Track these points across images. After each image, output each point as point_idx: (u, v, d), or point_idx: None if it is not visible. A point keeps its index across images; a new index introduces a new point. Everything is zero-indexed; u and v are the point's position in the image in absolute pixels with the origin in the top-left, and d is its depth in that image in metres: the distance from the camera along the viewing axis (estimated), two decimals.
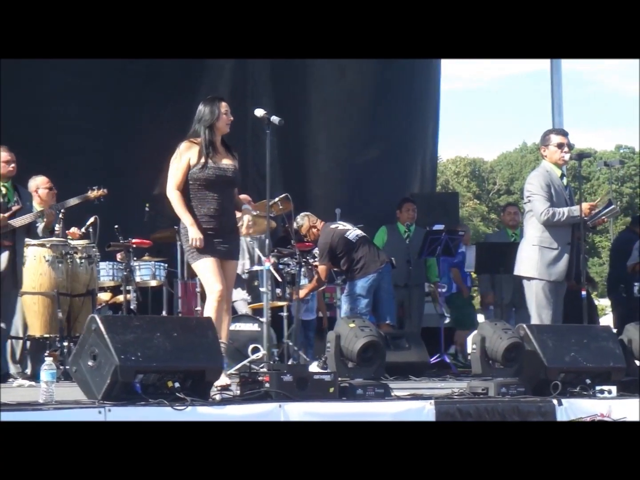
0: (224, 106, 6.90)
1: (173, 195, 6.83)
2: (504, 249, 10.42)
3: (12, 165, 8.08)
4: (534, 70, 77.16)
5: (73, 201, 8.53)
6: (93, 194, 8.61)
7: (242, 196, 7.09)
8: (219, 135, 6.92)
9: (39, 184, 8.86)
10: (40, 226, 8.31)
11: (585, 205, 7.88)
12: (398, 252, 10.56)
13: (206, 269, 6.79)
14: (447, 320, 11.32)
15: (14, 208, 8.08)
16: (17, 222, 8.04)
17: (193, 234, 6.74)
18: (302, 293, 9.71)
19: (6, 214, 8.00)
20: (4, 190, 8.09)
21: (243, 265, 10.01)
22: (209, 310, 6.72)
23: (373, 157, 13.45)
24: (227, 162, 6.92)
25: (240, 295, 9.93)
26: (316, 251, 10.24)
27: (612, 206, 8.25)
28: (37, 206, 8.54)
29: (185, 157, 6.83)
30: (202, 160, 6.80)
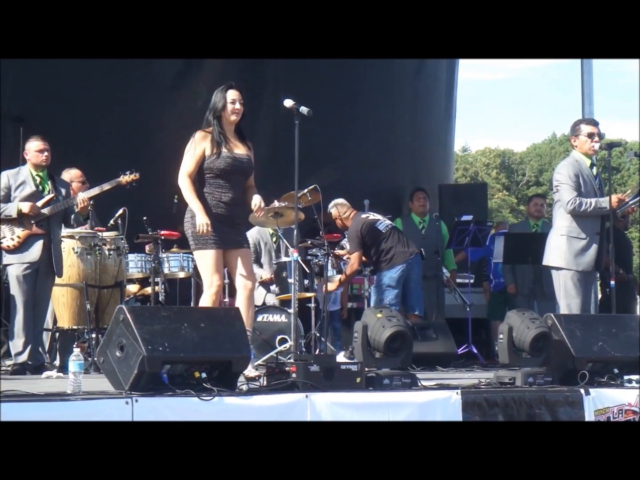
0: (231, 94, 6.87)
1: (184, 181, 6.83)
2: (532, 239, 10.41)
3: (46, 154, 8.15)
4: (564, 60, 76.76)
5: (104, 187, 8.55)
6: (125, 178, 8.62)
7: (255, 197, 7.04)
8: (228, 124, 6.91)
9: (72, 177, 8.94)
10: (73, 215, 8.36)
11: (614, 198, 7.84)
12: (414, 243, 10.53)
13: (207, 261, 6.80)
14: (468, 309, 11.20)
15: (48, 197, 8.15)
16: (50, 210, 8.10)
17: (201, 219, 6.71)
18: (333, 286, 9.72)
19: (39, 203, 8.08)
20: (37, 180, 8.17)
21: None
22: (206, 304, 6.75)
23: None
24: (240, 152, 6.91)
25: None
26: (344, 242, 10.25)
27: None
28: None
29: (200, 146, 6.83)
30: (216, 149, 6.80)
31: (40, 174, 8.20)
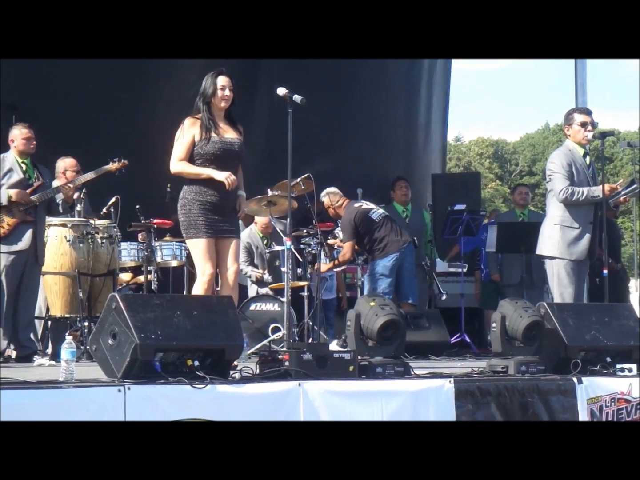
0: (220, 80, 6.83)
1: (178, 165, 6.81)
2: (525, 229, 10.40)
3: (33, 142, 8.12)
4: None
5: (93, 174, 8.54)
6: (114, 165, 8.61)
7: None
8: (218, 110, 6.89)
9: (67, 166, 8.92)
10: (60, 202, 8.34)
11: (606, 187, 7.85)
12: None
13: (201, 249, 6.78)
14: (444, 298, 11.18)
15: (36, 184, 8.13)
16: (39, 197, 8.08)
17: (221, 175, 6.69)
18: (324, 267, 9.74)
19: (28, 190, 8.06)
20: (24, 167, 8.14)
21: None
22: (198, 292, 6.75)
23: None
24: (231, 136, 6.89)
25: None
26: (337, 231, 10.25)
27: (634, 185, 8.22)
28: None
29: (189, 132, 6.80)
30: (206, 135, 6.78)
31: (26, 161, 8.16)
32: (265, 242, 10.29)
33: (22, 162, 8.13)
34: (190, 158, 6.82)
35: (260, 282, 10.10)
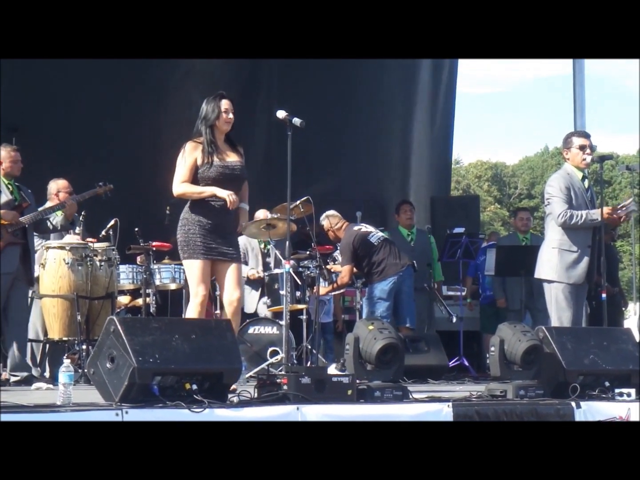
0: (224, 104, 6.86)
1: (181, 186, 6.82)
2: (524, 252, 10.40)
3: (20, 164, 8.10)
4: (557, 74, 77.08)
5: (83, 196, 8.55)
6: (101, 190, 8.62)
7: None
8: (220, 133, 6.91)
9: (60, 187, 8.90)
10: (59, 219, 8.32)
11: (605, 210, 7.85)
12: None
13: (195, 271, 6.79)
14: (454, 320, 11.18)
15: (24, 205, 8.11)
16: (28, 219, 8.06)
17: (224, 192, 6.72)
18: (323, 290, 9.73)
19: (16, 211, 8.03)
20: (10, 188, 8.11)
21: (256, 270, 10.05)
22: (191, 314, 6.75)
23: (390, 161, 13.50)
24: (233, 160, 6.91)
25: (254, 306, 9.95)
26: (336, 254, 10.24)
27: (629, 200, 8.22)
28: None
29: (191, 157, 6.82)
30: (208, 159, 6.80)
31: (11, 182, 8.14)
32: (262, 245, 10.23)
33: (8, 184, 8.11)
34: (194, 181, 6.84)
35: (252, 282, 10.03)
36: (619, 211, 8.06)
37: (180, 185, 6.83)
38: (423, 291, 10.89)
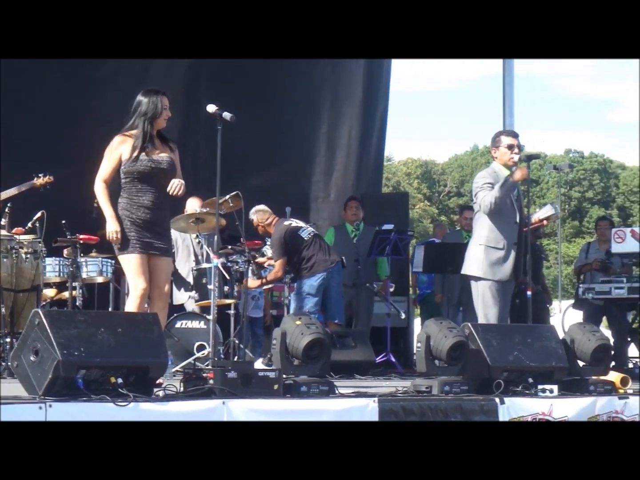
0: (165, 100, 6.89)
1: (99, 186, 6.86)
2: (452, 249, 10.50)
3: None
4: (487, 73, 77.75)
5: (15, 190, 8.44)
6: (39, 181, 8.53)
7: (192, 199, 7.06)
8: (156, 128, 6.91)
9: None
10: None
11: (518, 172, 7.90)
12: (346, 252, 10.52)
13: (132, 265, 6.79)
14: (403, 317, 11.26)
15: None
16: None
17: (111, 226, 6.77)
18: (253, 284, 9.72)
19: None
20: None
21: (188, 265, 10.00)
22: (131, 307, 6.73)
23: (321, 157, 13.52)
24: (162, 155, 6.89)
25: (185, 297, 9.90)
26: (265, 249, 10.23)
27: (547, 206, 8.36)
28: None
29: (117, 151, 6.82)
30: (135, 153, 6.77)
31: None
32: (194, 236, 10.16)
33: None
34: (118, 176, 6.80)
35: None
36: (544, 221, 8.23)
37: (98, 185, 6.86)
38: (363, 287, 10.90)
